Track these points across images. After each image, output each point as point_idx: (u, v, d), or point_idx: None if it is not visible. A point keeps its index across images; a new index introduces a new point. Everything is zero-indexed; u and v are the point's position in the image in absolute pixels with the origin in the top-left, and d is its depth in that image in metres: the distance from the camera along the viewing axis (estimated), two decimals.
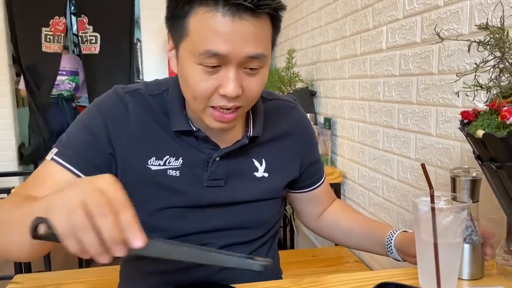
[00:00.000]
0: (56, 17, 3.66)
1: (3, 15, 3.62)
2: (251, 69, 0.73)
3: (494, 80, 0.67)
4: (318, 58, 2.27)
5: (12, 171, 3.50)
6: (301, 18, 2.51)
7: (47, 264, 2.08)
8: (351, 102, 1.88)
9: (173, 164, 0.83)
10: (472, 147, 0.68)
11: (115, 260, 0.55)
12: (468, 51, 0.68)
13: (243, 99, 0.75)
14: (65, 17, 3.74)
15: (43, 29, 3.62)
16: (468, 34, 1.08)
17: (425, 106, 1.29)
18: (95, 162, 0.80)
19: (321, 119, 2.22)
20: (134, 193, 0.81)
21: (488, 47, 0.65)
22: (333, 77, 2.08)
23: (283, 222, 2.67)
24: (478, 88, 0.68)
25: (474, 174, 0.80)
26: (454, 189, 0.81)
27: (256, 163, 0.89)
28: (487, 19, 0.96)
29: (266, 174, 0.90)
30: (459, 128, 0.71)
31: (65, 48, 3.91)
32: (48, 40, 3.65)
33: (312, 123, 1.15)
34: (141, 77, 4.20)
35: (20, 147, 3.91)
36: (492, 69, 0.67)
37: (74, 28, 4.00)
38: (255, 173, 0.89)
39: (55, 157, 0.79)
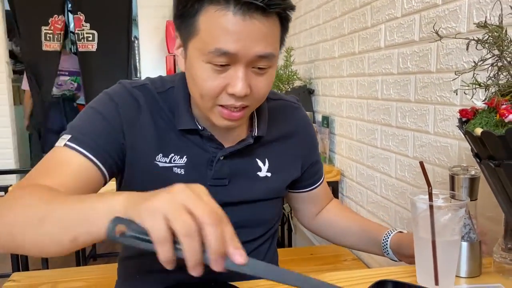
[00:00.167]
0: (55, 15, 3.64)
1: (1, 13, 3.60)
2: (259, 68, 0.73)
3: (493, 78, 0.67)
4: (316, 56, 2.26)
5: (9, 169, 3.49)
6: (299, 16, 2.51)
7: (45, 262, 2.07)
8: (349, 100, 1.88)
9: (178, 162, 0.83)
10: (471, 145, 0.68)
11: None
12: (467, 49, 0.68)
13: (250, 99, 0.75)
14: (64, 15, 3.73)
15: (43, 28, 3.61)
16: (466, 33, 1.08)
17: (423, 104, 1.29)
18: (109, 149, 0.78)
19: (319, 117, 2.22)
20: (139, 188, 0.81)
21: (487, 45, 0.65)
22: (331, 75, 2.08)
23: (281, 220, 2.68)
24: (477, 86, 0.68)
25: (472, 172, 0.80)
26: (452, 187, 0.82)
27: (260, 163, 0.90)
28: (486, 17, 0.96)
29: (269, 174, 0.90)
30: (457, 126, 0.71)
31: (65, 47, 3.91)
32: (48, 38, 3.64)
33: None
34: (138, 75, 4.19)
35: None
36: (491, 67, 0.67)
37: (71, 25, 3.98)
38: (258, 173, 0.89)
39: (69, 143, 0.75)
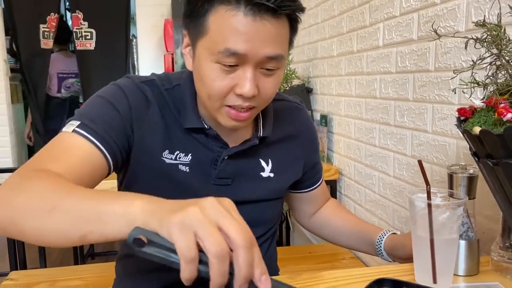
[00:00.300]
0: (52, 13, 3.63)
1: None
2: (267, 69, 0.73)
3: (491, 77, 0.67)
4: (314, 55, 2.26)
5: (7, 167, 3.48)
6: None
7: (43, 260, 2.07)
8: (347, 99, 1.88)
9: (183, 159, 0.83)
10: (469, 144, 0.68)
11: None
12: (465, 48, 0.68)
13: (258, 100, 0.75)
14: (59, 13, 3.72)
15: (41, 26, 3.60)
16: (464, 32, 1.08)
17: (421, 103, 1.29)
18: (116, 140, 0.77)
19: (317, 116, 2.22)
20: (144, 184, 0.81)
21: (485, 44, 0.65)
22: (329, 74, 2.08)
23: None
24: (475, 85, 0.68)
25: (471, 171, 0.80)
26: (451, 186, 0.82)
27: (263, 163, 0.90)
28: (484, 16, 0.96)
29: (272, 174, 0.90)
30: (455, 125, 0.71)
31: (67, 49, 3.91)
32: (45, 36, 3.63)
33: None
34: (136, 73, 4.18)
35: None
36: (489, 66, 0.67)
37: (69, 24, 3.97)
38: (262, 173, 0.90)
39: (78, 129, 0.74)
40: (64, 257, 3.14)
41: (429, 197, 0.72)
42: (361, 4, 1.68)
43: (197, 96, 0.84)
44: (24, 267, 1.87)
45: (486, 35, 0.65)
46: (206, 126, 0.83)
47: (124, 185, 0.86)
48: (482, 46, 0.66)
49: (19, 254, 1.86)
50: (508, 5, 0.66)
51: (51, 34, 3.63)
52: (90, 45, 3.73)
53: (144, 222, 0.47)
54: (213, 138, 0.84)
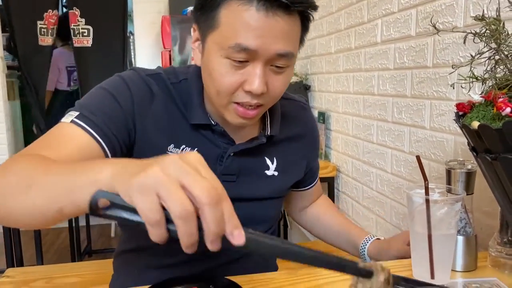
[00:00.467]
0: (50, 10, 3.62)
1: None
2: (277, 67, 0.72)
3: (490, 72, 0.66)
4: (312, 52, 2.26)
5: None
6: None
7: (39, 258, 2.07)
8: (345, 96, 1.87)
9: None
10: (467, 139, 0.68)
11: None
12: (464, 42, 0.67)
13: (266, 97, 0.74)
14: (58, 10, 3.70)
15: (38, 22, 3.59)
16: (463, 27, 1.08)
17: (419, 99, 1.29)
18: (116, 132, 0.75)
19: (315, 113, 2.22)
20: None
21: (484, 38, 0.65)
22: (327, 71, 2.07)
23: None
24: (474, 79, 0.68)
25: (469, 167, 0.80)
26: (449, 182, 0.82)
27: (268, 161, 0.90)
28: (483, 10, 0.96)
29: (276, 173, 0.90)
30: (454, 120, 0.71)
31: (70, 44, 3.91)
32: (42, 33, 3.61)
33: None
34: None
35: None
36: (488, 60, 0.67)
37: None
38: (266, 171, 0.89)
39: (76, 120, 0.72)
40: (61, 254, 3.13)
41: (427, 193, 0.72)
42: (359, 1, 1.68)
43: (204, 92, 0.83)
44: (20, 264, 1.86)
45: (485, 29, 0.65)
46: (213, 122, 0.82)
47: None
48: (481, 41, 0.65)
49: (16, 251, 1.86)
50: (508, 0, 0.65)
51: (49, 31, 3.62)
52: (88, 42, 3.72)
53: (110, 187, 0.45)
54: (219, 134, 0.83)
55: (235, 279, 0.76)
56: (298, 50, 0.77)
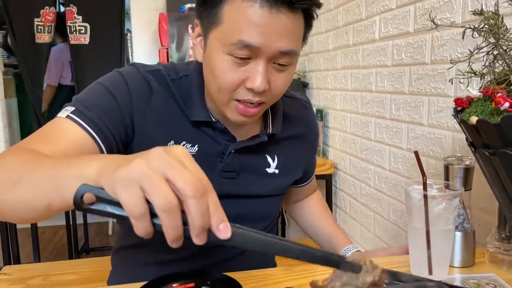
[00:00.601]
0: (46, 7, 3.60)
1: None
2: (280, 64, 0.72)
3: (488, 67, 0.66)
4: (310, 49, 2.25)
5: None
6: None
7: (37, 255, 2.06)
8: (343, 93, 1.87)
9: (189, 150, 0.81)
10: (466, 134, 0.68)
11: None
12: (463, 37, 0.67)
13: (268, 95, 0.74)
14: (55, 7, 3.69)
15: (35, 19, 3.57)
16: (461, 23, 1.08)
17: (417, 96, 1.29)
18: (111, 128, 0.75)
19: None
20: None
21: (483, 33, 0.65)
22: (325, 68, 2.07)
23: None
24: (472, 75, 0.67)
25: (467, 162, 0.80)
26: (447, 177, 0.81)
27: (269, 159, 0.89)
28: (481, 5, 0.96)
29: (276, 171, 0.90)
30: (452, 115, 0.71)
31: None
32: (39, 30, 3.60)
33: None
34: None
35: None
36: (486, 55, 0.67)
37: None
38: (267, 169, 0.89)
39: (72, 115, 0.72)
40: (59, 252, 3.13)
41: (425, 188, 0.72)
42: None
43: (204, 89, 0.82)
44: (17, 262, 1.85)
45: (483, 24, 0.64)
46: (214, 120, 0.82)
47: None
48: (480, 35, 0.65)
49: (13, 248, 1.85)
50: None
51: (46, 28, 3.60)
52: (85, 39, 3.70)
53: (95, 181, 0.45)
54: (220, 131, 0.83)
55: (233, 275, 0.75)
56: (301, 48, 0.76)
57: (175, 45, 3.12)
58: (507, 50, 0.64)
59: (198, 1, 0.74)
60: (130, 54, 4.11)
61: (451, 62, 0.72)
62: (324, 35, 2.05)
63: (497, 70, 0.65)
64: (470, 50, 0.67)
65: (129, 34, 4.08)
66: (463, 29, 0.67)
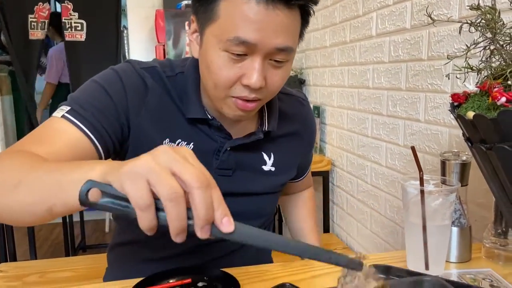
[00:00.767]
0: (40, 3, 3.58)
1: None
2: (276, 61, 0.71)
3: (485, 62, 0.66)
4: (307, 46, 2.25)
5: None
6: None
7: (33, 253, 2.05)
8: (340, 90, 1.87)
9: None
10: (462, 130, 0.68)
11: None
12: (459, 32, 0.67)
13: (264, 92, 0.73)
14: (49, 3, 3.66)
15: (29, 16, 3.55)
16: (458, 19, 1.08)
17: (414, 92, 1.29)
18: (107, 127, 0.75)
19: None
20: None
21: (479, 28, 0.65)
22: (322, 64, 2.07)
23: None
24: (469, 70, 0.67)
25: (464, 158, 0.80)
26: (443, 173, 0.82)
27: (265, 157, 0.89)
28: (478, 0, 0.96)
29: (272, 168, 0.90)
30: (449, 110, 0.71)
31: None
32: (32, 27, 3.57)
33: None
34: None
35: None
36: (483, 51, 0.67)
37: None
38: (263, 167, 0.89)
39: (67, 115, 0.72)
40: (55, 250, 3.12)
41: (421, 183, 0.72)
42: None
43: (200, 86, 0.82)
44: (14, 259, 1.85)
45: (480, 18, 0.64)
46: (210, 117, 0.81)
47: None
48: (477, 30, 0.65)
49: (9, 246, 1.84)
50: None
51: (39, 24, 3.58)
52: (81, 36, 3.68)
53: (100, 179, 0.46)
54: (216, 128, 0.82)
55: (230, 271, 0.75)
56: (298, 44, 0.76)
57: (172, 42, 3.11)
58: (504, 45, 0.64)
59: None
60: (126, 51, 4.09)
61: (448, 58, 0.71)
62: (321, 31, 2.05)
63: (493, 65, 0.65)
64: (467, 45, 0.67)
65: (125, 31, 4.07)
66: (460, 24, 0.67)
